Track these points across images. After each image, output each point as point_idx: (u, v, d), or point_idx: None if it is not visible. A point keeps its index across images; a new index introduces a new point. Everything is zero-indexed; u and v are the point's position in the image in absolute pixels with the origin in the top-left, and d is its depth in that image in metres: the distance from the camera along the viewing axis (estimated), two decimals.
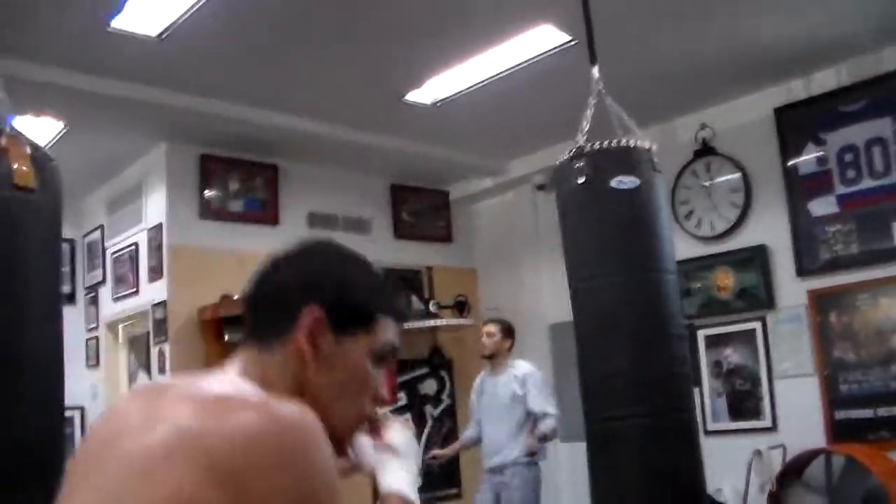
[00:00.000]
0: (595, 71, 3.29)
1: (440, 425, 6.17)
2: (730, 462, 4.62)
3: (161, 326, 5.01)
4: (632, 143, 3.07)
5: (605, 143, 3.05)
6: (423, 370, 6.16)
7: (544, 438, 4.69)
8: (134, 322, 5.52)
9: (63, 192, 2.26)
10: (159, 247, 5.11)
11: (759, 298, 4.92)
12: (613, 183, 2.99)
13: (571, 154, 3.10)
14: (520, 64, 4.34)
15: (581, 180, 3.03)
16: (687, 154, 5.26)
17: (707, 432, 4.91)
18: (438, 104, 4.87)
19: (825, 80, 4.70)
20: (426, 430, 6.05)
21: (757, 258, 4.94)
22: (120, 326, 5.77)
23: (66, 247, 5.85)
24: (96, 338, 5.88)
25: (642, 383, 2.91)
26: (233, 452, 0.81)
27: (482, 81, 4.55)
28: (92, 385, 5.80)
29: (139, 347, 5.44)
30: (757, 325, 4.93)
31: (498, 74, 4.47)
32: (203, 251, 5.10)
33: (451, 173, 6.28)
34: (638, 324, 2.97)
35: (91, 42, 3.84)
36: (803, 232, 4.75)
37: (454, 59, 4.32)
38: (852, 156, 4.57)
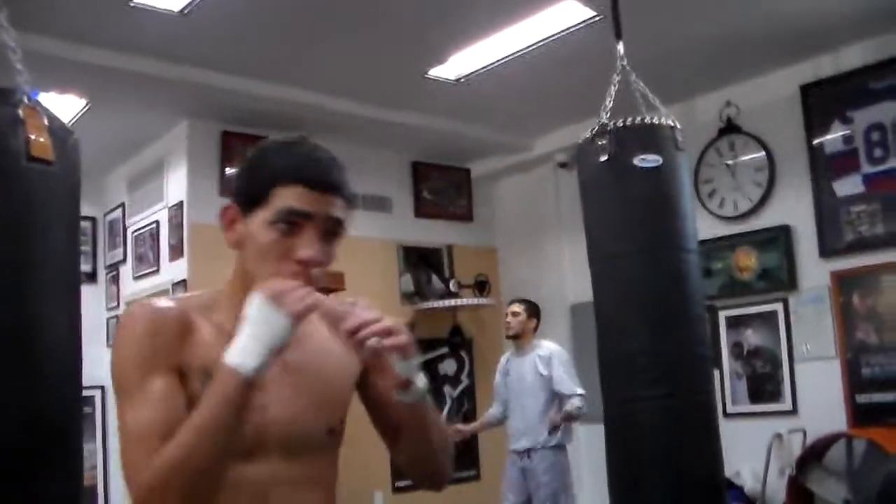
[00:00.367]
0: (620, 47, 3.25)
1: (459, 406, 6.17)
2: (749, 445, 4.59)
3: None
4: (655, 121, 3.04)
5: (629, 120, 3.02)
6: (443, 350, 6.15)
7: (570, 418, 4.66)
8: None
9: (83, 169, 2.23)
10: (180, 225, 5.11)
11: (781, 279, 4.86)
12: (636, 161, 2.96)
13: (594, 132, 3.07)
14: (544, 40, 4.29)
15: (603, 158, 3.00)
16: (711, 132, 5.19)
17: (726, 415, 4.88)
18: (462, 80, 4.83)
19: (853, 56, 4.59)
20: (444, 411, 6.04)
21: (780, 238, 4.88)
22: None
23: (87, 225, 5.88)
24: (117, 317, 5.90)
25: (662, 364, 2.89)
26: None
27: (505, 57, 4.50)
28: None
29: None
30: (778, 307, 4.87)
31: (522, 50, 4.42)
32: None
33: (473, 151, 6.24)
34: (658, 304, 2.94)
35: (113, 17, 3.83)
36: (827, 212, 4.68)
37: (478, 34, 4.28)
38: (880, 135, 4.48)
